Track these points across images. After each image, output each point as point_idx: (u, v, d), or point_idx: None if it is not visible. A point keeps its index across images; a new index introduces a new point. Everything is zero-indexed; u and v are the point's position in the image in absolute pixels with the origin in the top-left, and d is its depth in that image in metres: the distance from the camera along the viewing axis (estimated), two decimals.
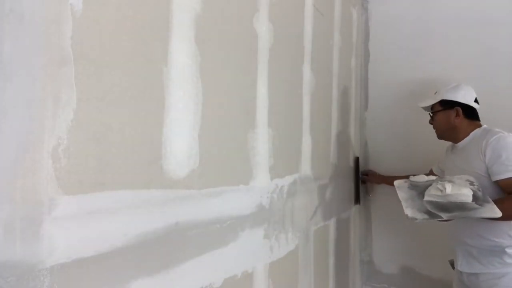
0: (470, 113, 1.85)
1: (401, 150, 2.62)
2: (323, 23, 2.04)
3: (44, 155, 0.72)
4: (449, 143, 1.99)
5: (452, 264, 1.94)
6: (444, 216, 1.46)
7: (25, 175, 0.69)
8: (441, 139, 1.97)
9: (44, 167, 0.72)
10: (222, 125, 1.23)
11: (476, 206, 1.45)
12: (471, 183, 1.55)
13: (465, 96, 1.86)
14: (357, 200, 2.66)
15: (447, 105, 1.87)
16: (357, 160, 2.68)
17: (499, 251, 1.64)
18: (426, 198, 1.51)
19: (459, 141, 1.86)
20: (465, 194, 1.46)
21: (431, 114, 1.97)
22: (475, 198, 1.47)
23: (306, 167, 1.83)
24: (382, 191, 2.66)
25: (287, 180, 1.64)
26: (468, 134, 1.82)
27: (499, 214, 1.40)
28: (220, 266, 1.22)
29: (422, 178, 1.63)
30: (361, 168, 2.72)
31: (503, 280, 1.63)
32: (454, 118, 1.85)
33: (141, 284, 0.93)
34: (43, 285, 0.72)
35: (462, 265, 1.77)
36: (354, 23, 2.61)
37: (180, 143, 1.05)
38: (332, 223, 2.20)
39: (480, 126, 1.84)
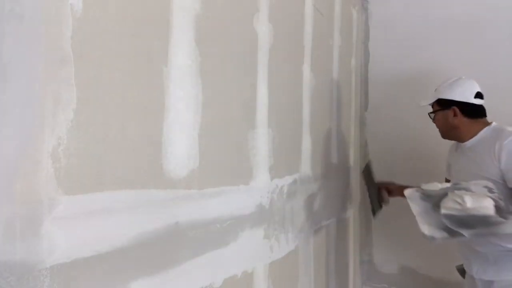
0: (470, 112, 1.70)
1: (401, 150, 2.62)
2: (323, 23, 2.04)
3: (44, 155, 0.72)
4: (454, 142, 1.87)
5: (461, 270, 1.83)
6: (466, 233, 1.34)
7: (25, 175, 0.69)
8: (445, 138, 1.86)
9: (44, 167, 0.72)
10: (222, 125, 1.23)
11: (500, 220, 1.31)
12: (490, 190, 1.39)
13: (464, 93, 1.71)
14: (374, 212, 2.18)
15: (444, 104, 1.75)
16: (368, 165, 2.24)
17: None
18: (443, 211, 1.36)
19: (466, 140, 1.72)
20: (487, 206, 1.31)
21: (432, 113, 1.85)
22: (497, 209, 1.32)
23: (306, 167, 1.83)
24: None
25: (287, 180, 1.64)
26: (475, 133, 1.68)
27: None
28: (220, 266, 1.22)
29: (435, 187, 1.44)
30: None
31: None
32: (453, 118, 1.72)
33: (141, 284, 0.93)
34: (43, 285, 0.71)
35: (478, 273, 1.65)
36: (354, 23, 2.61)
37: (180, 143, 1.05)
38: (332, 223, 2.20)
39: (487, 123, 1.69)
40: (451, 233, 1.36)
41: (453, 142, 1.88)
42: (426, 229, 1.38)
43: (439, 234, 1.36)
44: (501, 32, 2.38)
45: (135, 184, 0.92)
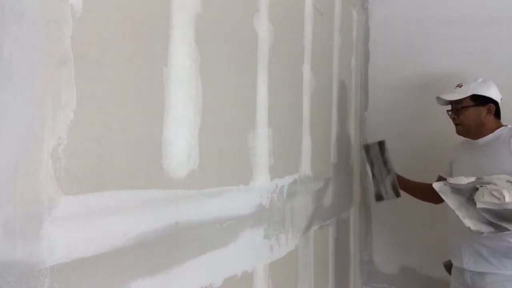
0: (498, 111, 1.78)
1: (401, 150, 2.61)
2: (323, 23, 2.04)
3: (44, 155, 0.72)
4: (461, 140, 1.89)
5: (447, 266, 1.87)
6: (511, 228, 1.36)
7: (25, 175, 0.69)
8: (462, 135, 1.85)
9: (44, 167, 0.72)
10: (222, 125, 1.23)
11: None
12: None
13: (496, 93, 1.78)
14: (381, 197, 2.00)
15: (479, 100, 1.75)
16: (382, 144, 2.03)
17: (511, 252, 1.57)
18: (479, 205, 1.39)
19: (480, 137, 1.77)
20: None
21: (457, 109, 1.81)
22: None
23: (306, 167, 1.83)
24: None
25: (287, 180, 1.64)
26: (491, 132, 1.74)
27: None
28: (220, 266, 1.22)
29: (462, 180, 1.49)
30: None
31: None
32: (486, 115, 1.74)
33: (141, 284, 0.93)
34: (43, 285, 0.71)
35: (468, 263, 1.68)
36: (354, 23, 2.61)
37: (180, 143, 1.05)
38: (332, 223, 2.20)
39: (502, 125, 1.77)
40: (497, 227, 1.38)
41: (459, 141, 1.90)
42: (470, 224, 1.40)
43: (485, 229, 1.39)
44: (502, 33, 2.38)
45: (135, 184, 0.92)
